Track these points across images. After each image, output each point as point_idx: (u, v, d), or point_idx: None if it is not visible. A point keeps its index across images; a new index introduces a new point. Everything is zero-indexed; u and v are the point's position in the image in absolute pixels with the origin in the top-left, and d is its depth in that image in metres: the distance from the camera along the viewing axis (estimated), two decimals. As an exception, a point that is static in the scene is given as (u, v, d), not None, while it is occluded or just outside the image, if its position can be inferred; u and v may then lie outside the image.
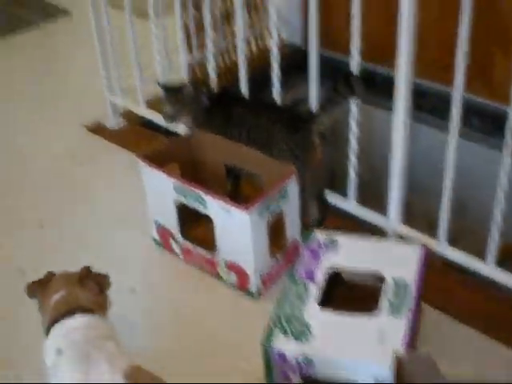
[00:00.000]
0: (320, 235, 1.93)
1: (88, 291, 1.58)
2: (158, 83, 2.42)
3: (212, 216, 1.97)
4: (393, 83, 1.95)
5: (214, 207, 1.94)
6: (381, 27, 3.10)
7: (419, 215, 2.80)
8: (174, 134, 2.87)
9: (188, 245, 2.11)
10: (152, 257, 2.22)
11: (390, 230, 2.12)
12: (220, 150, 2.20)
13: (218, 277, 2.08)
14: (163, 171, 2.05)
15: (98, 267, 1.66)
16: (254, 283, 1.99)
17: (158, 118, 2.86)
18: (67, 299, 1.54)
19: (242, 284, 2.02)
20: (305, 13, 3.69)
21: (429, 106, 3.31)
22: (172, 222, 2.11)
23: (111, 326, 1.55)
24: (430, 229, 2.12)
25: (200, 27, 3.24)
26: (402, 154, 2.01)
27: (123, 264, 2.17)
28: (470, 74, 1.82)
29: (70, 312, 1.49)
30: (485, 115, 3.14)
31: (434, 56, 3.01)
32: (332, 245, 1.90)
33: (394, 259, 1.85)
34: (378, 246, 1.93)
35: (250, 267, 1.97)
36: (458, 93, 1.84)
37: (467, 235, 2.85)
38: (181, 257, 2.16)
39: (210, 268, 2.09)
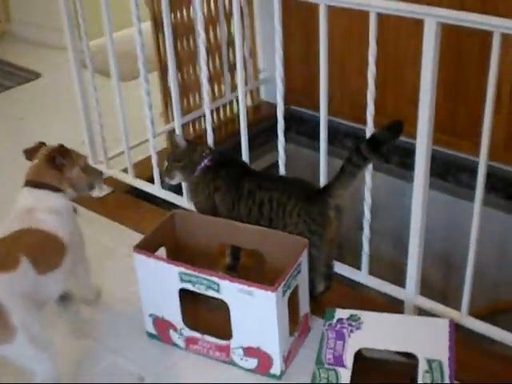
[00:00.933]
0: (342, 313, 1.84)
1: (55, 169, 1.95)
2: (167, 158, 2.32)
3: (227, 301, 1.85)
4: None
5: (232, 291, 1.81)
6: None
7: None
8: (161, 201, 2.78)
9: (194, 334, 1.97)
10: (149, 349, 2.05)
11: (407, 301, 2.03)
12: (211, 229, 2.09)
13: (232, 363, 1.94)
14: (166, 260, 1.93)
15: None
16: (277, 365, 1.86)
17: (145, 186, 2.78)
18: (34, 171, 1.97)
19: (264, 368, 1.88)
20: (288, 71, 3.67)
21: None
22: (174, 313, 1.96)
23: (68, 206, 1.96)
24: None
25: (184, 90, 3.18)
26: (421, 228, 1.93)
27: (122, 356, 2.03)
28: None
29: (29, 183, 1.94)
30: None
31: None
32: (356, 323, 1.80)
33: (423, 336, 1.76)
34: (404, 323, 1.84)
35: (274, 350, 1.84)
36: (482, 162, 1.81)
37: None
38: (182, 346, 2.01)
39: (221, 355, 1.95)
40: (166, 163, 2.25)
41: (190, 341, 2.00)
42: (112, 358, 2.02)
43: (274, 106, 3.63)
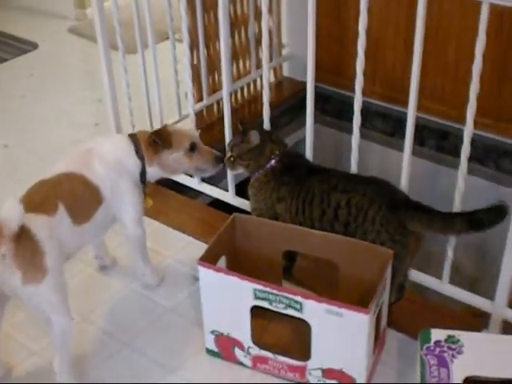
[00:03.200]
0: (438, 334, 1.66)
1: (147, 140, 1.92)
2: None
3: (310, 321, 1.66)
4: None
5: (317, 311, 1.63)
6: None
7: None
8: (192, 191, 2.57)
9: (264, 353, 1.79)
10: (210, 368, 1.86)
11: (495, 314, 1.86)
12: (274, 235, 1.90)
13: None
14: (239, 276, 1.71)
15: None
16: (360, 388, 1.70)
17: (186, 180, 2.54)
18: (141, 133, 1.96)
19: (344, 391, 1.72)
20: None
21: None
22: (243, 331, 1.78)
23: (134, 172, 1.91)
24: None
25: (210, 68, 2.94)
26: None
27: (181, 377, 1.84)
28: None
29: (129, 134, 1.96)
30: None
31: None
32: (456, 345, 1.63)
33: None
34: (506, 343, 1.68)
35: (358, 372, 1.68)
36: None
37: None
38: (248, 365, 1.83)
39: (295, 376, 1.77)
40: (228, 151, 2.04)
41: (257, 360, 1.81)
42: (170, 379, 1.82)
43: (297, 83, 3.46)
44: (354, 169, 2.03)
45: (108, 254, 2.19)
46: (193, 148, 1.95)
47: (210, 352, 1.88)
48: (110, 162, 1.86)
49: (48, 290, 1.64)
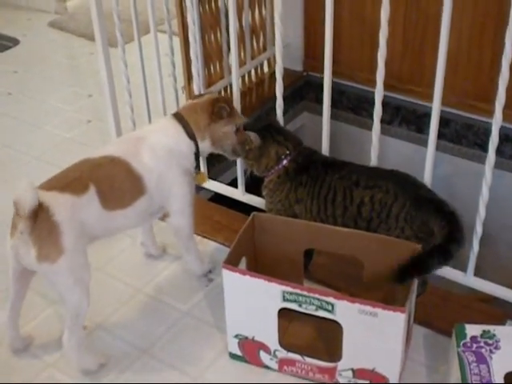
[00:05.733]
0: (473, 329, 1.63)
1: (203, 114, 1.88)
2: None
3: (342, 322, 1.61)
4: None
5: (350, 312, 1.58)
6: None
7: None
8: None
9: (292, 355, 1.73)
10: (236, 373, 1.80)
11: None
12: (295, 233, 1.84)
13: (335, 385, 1.73)
14: (267, 278, 1.65)
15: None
16: (394, 386, 1.67)
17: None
18: (190, 107, 1.94)
19: (376, 390, 1.69)
20: (307, 36, 3.37)
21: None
22: (269, 334, 1.73)
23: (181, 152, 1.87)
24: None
25: (206, 60, 2.86)
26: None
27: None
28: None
29: (176, 115, 1.91)
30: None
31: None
32: (492, 341, 1.60)
33: None
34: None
35: (392, 371, 1.64)
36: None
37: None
38: (274, 368, 1.78)
39: (324, 377, 1.73)
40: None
41: (284, 362, 1.76)
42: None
43: (291, 73, 3.40)
44: (374, 162, 1.97)
45: (155, 243, 2.18)
46: (238, 128, 1.94)
47: (233, 356, 1.82)
48: (161, 154, 1.84)
49: (63, 271, 1.65)
